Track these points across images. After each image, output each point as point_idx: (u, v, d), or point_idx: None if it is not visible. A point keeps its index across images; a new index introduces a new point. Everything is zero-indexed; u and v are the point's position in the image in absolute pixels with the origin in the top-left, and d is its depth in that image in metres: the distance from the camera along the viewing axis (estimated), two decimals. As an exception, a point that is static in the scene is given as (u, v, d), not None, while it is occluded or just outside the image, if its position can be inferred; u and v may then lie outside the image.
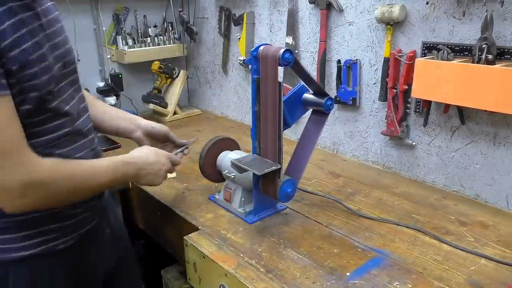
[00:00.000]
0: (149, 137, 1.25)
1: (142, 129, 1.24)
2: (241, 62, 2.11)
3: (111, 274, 1.14)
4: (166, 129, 1.27)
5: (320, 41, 1.70)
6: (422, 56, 1.38)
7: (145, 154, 1.10)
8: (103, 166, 0.97)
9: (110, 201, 1.21)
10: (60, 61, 0.91)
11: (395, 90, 1.47)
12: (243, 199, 1.27)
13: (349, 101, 1.65)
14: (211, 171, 1.36)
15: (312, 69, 1.78)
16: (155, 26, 2.35)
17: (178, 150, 1.28)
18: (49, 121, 0.89)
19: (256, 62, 1.14)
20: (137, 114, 2.26)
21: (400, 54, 1.44)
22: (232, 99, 2.32)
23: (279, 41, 1.92)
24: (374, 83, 1.58)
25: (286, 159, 1.21)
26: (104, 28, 2.21)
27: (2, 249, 0.92)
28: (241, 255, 1.08)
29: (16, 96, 0.80)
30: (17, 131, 0.80)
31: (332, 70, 1.72)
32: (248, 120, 2.23)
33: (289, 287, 0.96)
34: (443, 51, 1.29)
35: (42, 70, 0.84)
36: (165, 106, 2.30)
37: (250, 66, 1.18)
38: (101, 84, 2.12)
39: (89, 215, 1.04)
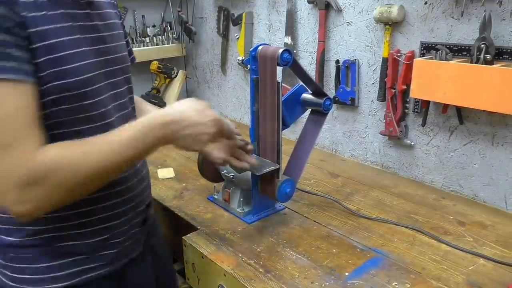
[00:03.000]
0: None
1: None
2: (239, 62, 2.11)
3: None
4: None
5: (318, 41, 1.70)
6: (421, 56, 1.38)
7: (186, 111, 0.85)
8: (122, 139, 0.78)
9: (155, 223, 1.13)
10: (106, 67, 0.88)
11: (393, 90, 1.47)
12: (241, 199, 1.27)
13: (348, 101, 1.65)
14: (210, 171, 1.36)
15: (310, 69, 1.78)
16: (153, 26, 2.35)
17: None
18: (84, 124, 0.83)
19: (255, 62, 1.14)
20: (135, 114, 2.26)
21: (398, 54, 1.44)
22: (230, 99, 2.32)
23: (278, 41, 1.92)
24: (372, 83, 1.58)
25: (285, 159, 1.21)
26: (102, 28, 2.20)
27: (35, 279, 0.87)
28: (240, 255, 1.08)
29: (49, 95, 0.77)
30: (22, 123, 0.70)
31: (330, 70, 1.72)
32: (247, 120, 2.23)
33: (287, 287, 0.96)
34: (441, 51, 1.29)
35: (75, 69, 0.80)
36: (163, 106, 2.30)
37: (248, 66, 1.18)
38: (100, 84, 2.12)
39: (130, 244, 0.98)
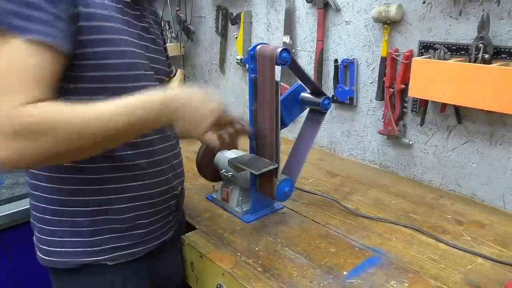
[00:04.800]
0: None
1: None
2: (238, 61, 2.11)
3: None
4: None
5: (317, 41, 1.70)
6: (419, 56, 1.38)
7: (192, 96, 0.86)
8: (115, 109, 0.77)
9: (183, 209, 1.24)
10: (151, 63, 0.97)
11: (392, 90, 1.48)
12: (240, 198, 1.27)
13: (346, 100, 1.66)
14: (208, 170, 1.36)
15: (309, 69, 1.78)
16: (152, 25, 2.35)
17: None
18: None
19: (254, 61, 1.14)
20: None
21: (397, 53, 1.44)
22: (229, 99, 2.32)
23: (276, 40, 1.92)
24: (371, 82, 1.58)
25: (284, 158, 1.21)
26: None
27: (74, 252, 0.94)
28: (239, 254, 1.08)
29: (87, 70, 0.83)
30: (23, 77, 0.72)
31: (329, 70, 1.72)
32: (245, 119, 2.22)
33: (286, 287, 0.96)
34: (439, 51, 1.29)
35: (122, 53, 0.87)
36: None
37: (247, 65, 1.18)
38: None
39: (160, 226, 1.05)
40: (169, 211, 1.06)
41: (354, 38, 1.60)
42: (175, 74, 2.32)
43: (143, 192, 0.98)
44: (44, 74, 0.74)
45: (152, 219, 1.01)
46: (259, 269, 1.02)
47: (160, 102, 0.80)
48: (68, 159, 0.83)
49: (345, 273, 1.01)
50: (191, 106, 0.84)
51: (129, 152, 0.93)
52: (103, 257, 0.95)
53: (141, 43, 0.95)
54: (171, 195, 1.05)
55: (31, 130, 0.70)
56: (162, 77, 1.05)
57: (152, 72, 0.97)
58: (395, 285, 0.96)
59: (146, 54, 0.95)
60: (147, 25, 0.99)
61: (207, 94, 0.88)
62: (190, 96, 0.85)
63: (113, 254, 0.96)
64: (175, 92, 0.83)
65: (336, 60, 1.66)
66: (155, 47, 1.01)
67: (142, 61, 0.93)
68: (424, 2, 1.36)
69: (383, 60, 1.48)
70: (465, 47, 1.27)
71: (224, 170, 1.30)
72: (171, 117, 0.83)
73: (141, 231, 0.99)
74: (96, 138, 0.75)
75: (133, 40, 0.91)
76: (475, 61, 1.21)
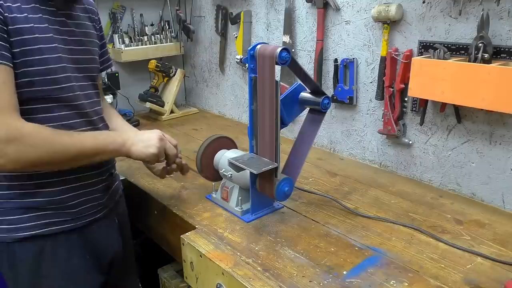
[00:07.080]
0: None
1: None
2: (238, 61, 2.11)
3: (115, 259, 1.25)
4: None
5: (317, 40, 1.70)
6: (419, 55, 1.38)
7: (139, 133, 1.14)
8: (88, 135, 1.03)
9: (121, 194, 1.33)
10: (75, 63, 1.08)
11: (391, 89, 1.48)
12: (240, 198, 1.27)
13: (346, 100, 1.66)
14: (208, 170, 1.36)
15: (309, 68, 1.78)
16: (151, 25, 2.35)
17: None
18: (56, 110, 1.03)
19: (253, 61, 1.14)
20: (133, 113, 2.27)
21: (396, 53, 1.44)
22: (229, 98, 2.32)
23: (276, 39, 1.92)
24: (371, 82, 1.58)
25: (283, 158, 1.21)
26: (100, 27, 2.21)
27: (11, 229, 1.04)
28: (238, 254, 1.08)
29: (22, 77, 0.96)
30: (6, 96, 0.92)
31: (329, 69, 1.72)
32: (245, 119, 2.23)
33: (286, 286, 0.96)
34: (439, 50, 1.29)
35: (45, 60, 0.99)
36: (162, 105, 2.30)
37: (247, 65, 1.18)
38: (98, 82, 2.11)
39: (92, 206, 1.14)
40: (98, 194, 1.15)
41: (353, 38, 1.60)
42: (175, 74, 2.32)
43: (70, 177, 1.08)
44: (14, 90, 0.94)
45: (78, 200, 1.10)
46: (258, 268, 1.02)
47: (120, 145, 1.08)
48: (48, 167, 1.02)
49: (344, 272, 1.01)
50: (141, 137, 1.11)
51: None
52: (35, 232, 1.05)
53: (68, 47, 1.06)
54: (98, 180, 1.15)
55: (26, 140, 0.92)
56: (91, 74, 1.14)
57: (78, 73, 1.08)
58: (394, 285, 0.96)
59: (70, 56, 1.06)
60: (74, 28, 1.09)
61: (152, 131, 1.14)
62: (139, 134, 1.13)
63: (44, 229, 1.06)
64: (127, 135, 1.11)
65: (336, 60, 1.66)
66: (83, 47, 1.11)
67: (65, 64, 1.04)
68: (424, 2, 1.36)
69: (383, 59, 1.48)
70: (464, 46, 1.27)
71: (224, 170, 1.30)
72: (127, 151, 1.09)
73: (69, 210, 1.09)
74: (67, 157, 0.99)
75: (58, 45, 1.02)
76: (475, 61, 1.21)
